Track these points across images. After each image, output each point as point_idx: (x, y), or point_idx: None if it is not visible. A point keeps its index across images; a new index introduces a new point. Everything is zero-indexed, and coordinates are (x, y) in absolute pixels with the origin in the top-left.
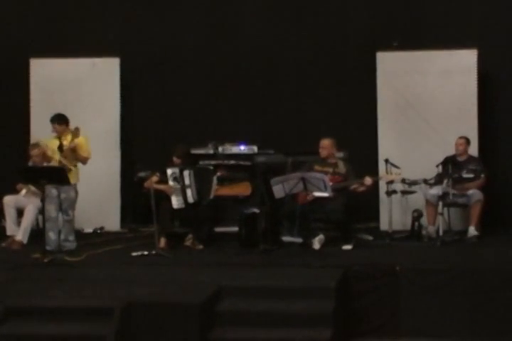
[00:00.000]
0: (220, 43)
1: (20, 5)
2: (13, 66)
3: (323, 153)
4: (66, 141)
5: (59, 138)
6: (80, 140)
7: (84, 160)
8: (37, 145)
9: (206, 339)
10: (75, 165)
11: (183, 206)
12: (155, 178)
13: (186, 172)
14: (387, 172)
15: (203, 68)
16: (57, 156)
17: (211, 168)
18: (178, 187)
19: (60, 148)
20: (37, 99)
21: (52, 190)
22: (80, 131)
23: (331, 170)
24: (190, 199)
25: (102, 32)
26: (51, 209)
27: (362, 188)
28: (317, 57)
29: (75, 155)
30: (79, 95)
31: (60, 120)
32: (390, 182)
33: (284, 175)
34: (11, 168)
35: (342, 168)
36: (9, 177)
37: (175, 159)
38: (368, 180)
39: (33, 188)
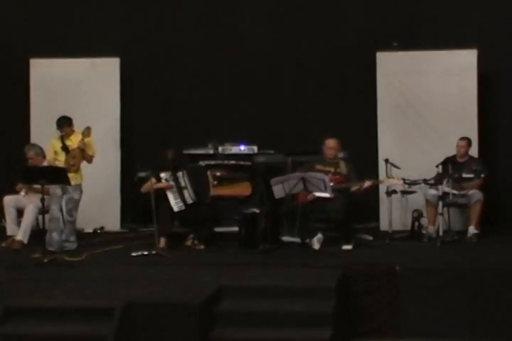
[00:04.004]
0: (220, 43)
1: (20, 5)
2: (13, 66)
3: (331, 153)
4: (70, 142)
5: (61, 138)
6: (88, 139)
7: (90, 159)
8: (31, 147)
9: (206, 339)
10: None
11: (183, 208)
12: (154, 180)
13: (180, 174)
14: (387, 174)
15: (203, 68)
16: (61, 157)
17: (202, 164)
18: (175, 189)
19: (66, 148)
20: (37, 99)
21: (56, 190)
22: (91, 131)
23: (332, 169)
24: (189, 200)
25: (102, 32)
26: (55, 210)
27: (362, 189)
28: (317, 57)
29: (83, 154)
30: (79, 95)
31: (69, 122)
32: (392, 186)
33: (283, 175)
34: (11, 168)
35: (343, 168)
36: (9, 177)
37: (166, 160)
38: (367, 183)
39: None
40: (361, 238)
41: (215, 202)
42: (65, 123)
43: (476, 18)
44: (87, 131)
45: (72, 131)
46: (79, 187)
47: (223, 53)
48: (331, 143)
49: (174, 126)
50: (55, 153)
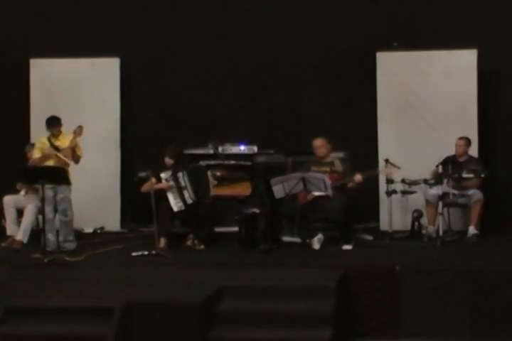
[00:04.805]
0: (220, 43)
1: (20, 5)
2: (13, 66)
3: (321, 151)
4: (59, 142)
5: (48, 138)
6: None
7: (78, 159)
8: (32, 146)
9: (206, 339)
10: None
11: (183, 208)
12: (154, 180)
13: (180, 174)
14: (386, 164)
15: (202, 68)
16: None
17: (202, 165)
18: (175, 189)
19: (56, 148)
20: (37, 99)
21: (47, 192)
22: (83, 130)
23: (328, 169)
24: (189, 200)
25: (102, 32)
26: (48, 211)
27: (356, 183)
28: (317, 57)
29: (74, 154)
30: (79, 95)
31: (60, 122)
32: (390, 180)
33: (284, 175)
34: (11, 168)
35: (339, 165)
36: (9, 177)
37: (167, 160)
38: (358, 177)
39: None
40: (361, 238)
41: (215, 202)
42: (55, 123)
43: (475, 18)
44: (79, 130)
45: (60, 132)
46: (69, 187)
47: (223, 53)
48: (316, 142)
49: (174, 126)
50: (51, 151)
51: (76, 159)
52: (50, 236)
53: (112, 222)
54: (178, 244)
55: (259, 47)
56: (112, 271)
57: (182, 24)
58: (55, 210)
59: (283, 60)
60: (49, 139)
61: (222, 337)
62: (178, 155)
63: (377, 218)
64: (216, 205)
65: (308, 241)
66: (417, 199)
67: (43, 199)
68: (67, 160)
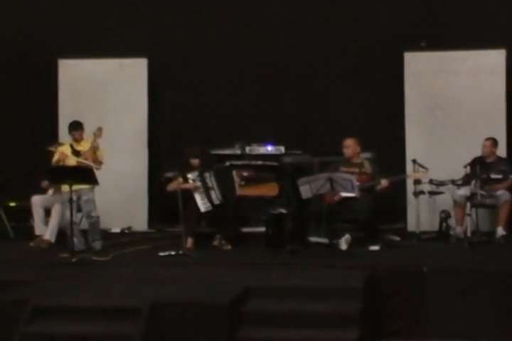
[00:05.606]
0: (247, 44)
1: (49, 6)
2: (41, 66)
3: (348, 152)
4: (81, 147)
5: (71, 144)
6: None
7: (99, 165)
8: (56, 146)
9: (233, 339)
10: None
11: (210, 208)
12: (180, 179)
13: (207, 174)
14: (414, 171)
15: (229, 68)
16: (71, 161)
17: (227, 165)
18: (202, 190)
19: (77, 153)
20: (65, 100)
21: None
22: (102, 131)
23: (357, 170)
24: (216, 201)
25: (130, 32)
26: (72, 215)
27: (381, 188)
28: (345, 58)
29: (95, 156)
30: (107, 96)
31: (81, 126)
32: (417, 181)
33: (311, 175)
34: (39, 169)
35: (368, 167)
36: (37, 178)
37: (192, 160)
38: (384, 182)
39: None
40: (388, 239)
41: (241, 202)
42: (76, 127)
43: (504, 18)
44: (98, 132)
45: (82, 138)
46: (92, 188)
47: (250, 54)
48: (346, 142)
49: (201, 127)
50: (67, 157)
51: (97, 163)
52: (75, 240)
53: (140, 222)
54: (205, 244)
55: (286, 47)
56: (139, 271)
57: (209, 24)
58: (80, 212)
59: (310, 60)
60: (71, 145)
61: (248, 337)
62: (203, 155)
63: (404, 219)
64: (243, 205)
65: (335, 241)
66: (444, 200)
67: (70, 200)
68: (88, 162)
